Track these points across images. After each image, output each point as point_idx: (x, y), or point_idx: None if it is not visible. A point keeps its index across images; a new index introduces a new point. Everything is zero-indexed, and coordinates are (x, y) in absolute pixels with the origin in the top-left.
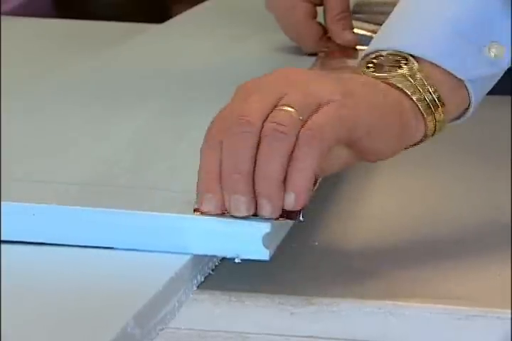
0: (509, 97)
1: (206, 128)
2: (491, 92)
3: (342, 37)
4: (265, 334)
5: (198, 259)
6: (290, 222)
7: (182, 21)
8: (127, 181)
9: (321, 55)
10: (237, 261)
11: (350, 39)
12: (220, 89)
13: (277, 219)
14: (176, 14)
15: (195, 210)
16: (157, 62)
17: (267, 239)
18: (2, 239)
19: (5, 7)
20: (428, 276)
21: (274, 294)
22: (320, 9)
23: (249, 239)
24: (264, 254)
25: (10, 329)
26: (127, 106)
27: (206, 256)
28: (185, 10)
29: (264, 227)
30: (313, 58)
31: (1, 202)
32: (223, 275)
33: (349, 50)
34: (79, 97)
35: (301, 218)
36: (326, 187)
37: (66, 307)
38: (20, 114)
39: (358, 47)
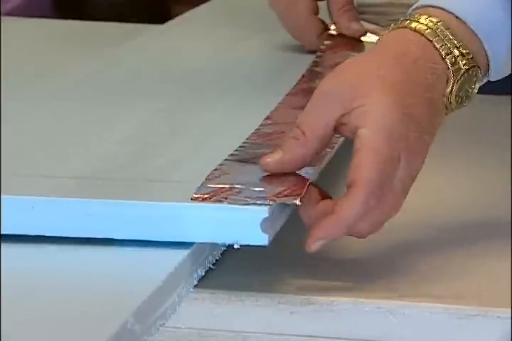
0: (509, 97)
1: (204, 125)
2: (491, 92)
3: (349, 28)
4: (265, 333)
5: (198, 253)
6: (288, 207)
7: (183, 22)
8: (126, 174)
9: (323, 48)
10: (236, 246)
11: (357, 29)
12: (219, 89)
13: (274, 201)
14: (176, 15)
15: (193, 198)
16: (157, 63)
17: (265, 224)
18: (2, 232)
19: (5, 7)
20: (428, 276)
21: (274, 293)
22: (322, 4)
23: (247, 225)
24: (262, 239)
25: (10, 327)
26: (127, 105)
27: (206, 243)
28: (185, 11)
29: (262, 212)
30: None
31: (1, 196)
32: (223, 274)
33: (354, 43)
34: (79, 97)
35: (298, 202)
36: (326, 187)
37: (65, 304)
38: (21, 112)
39: (364, 38)
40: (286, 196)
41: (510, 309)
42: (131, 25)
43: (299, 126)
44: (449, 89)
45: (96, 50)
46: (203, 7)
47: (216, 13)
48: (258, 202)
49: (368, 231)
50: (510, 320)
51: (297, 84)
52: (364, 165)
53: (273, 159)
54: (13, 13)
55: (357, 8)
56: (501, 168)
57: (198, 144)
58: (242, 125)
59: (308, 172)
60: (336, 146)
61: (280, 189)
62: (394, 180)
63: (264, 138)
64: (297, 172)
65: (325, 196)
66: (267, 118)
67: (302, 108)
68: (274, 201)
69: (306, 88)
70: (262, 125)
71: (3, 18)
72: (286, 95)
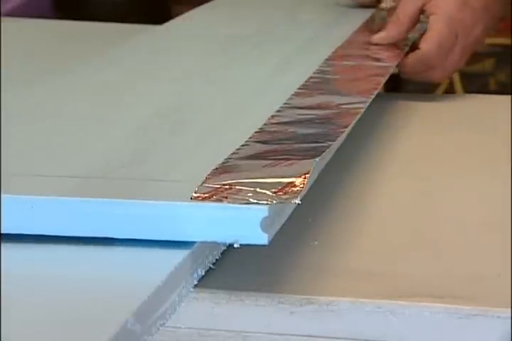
0: (509, 97)
1: (204, 125)
2: (491, 92)
3: None
4: (265, 333)
5: (198, 253)
6: (288, 206)
7: (183, 22)
8: (126, 173)
9: None
10: (236, 246)
11: None
12: (219, 89)
13: (275, 200)
14: (176, 15)
15: (193, 197)
16: (157, 63)
17: (265, 224)
18: (2, 231)
19: (5, 7)
20: (428, 276)
21: (274, 293)
22: None
23: (247, 224)
24: (262, 239)
25: (10, 327)
26: (127, 105)
27: (206, 242)
28: (185, 11)
29: (262, 211)
30: (317, 58)
31: (1, 196)
32: (223, 274)
33: None
34: (79, 96)
35: (298, 201)
36: (327, 187)
37: (65, 304)
38: (20, 112)
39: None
40: (286, 193)
41: (510, 309)
42: (131, 25)
43: (395, 13)
44: None
45: (96, 50)
46: (203, 7)
47: (216, 13)
48: (258, 201)
49: (433, 76)
50: (510, 320)
51: (304, 84)
52: (430, 39)
53: (379, 36)
54: (13, 13)
55: None
56: (501, 168)
57: (198, 143)
58: (243, 125)
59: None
60: (337, 144)
61: (280, 187)
62: (454, 49)
63: (268, 137)
64: (298, 171)
65: None
66: (272, 117)
67: (308, 108)
68: (275, 200)
69: (313, 88)
70: (265, 124)
71: (3, 18)
72: (293, 95)
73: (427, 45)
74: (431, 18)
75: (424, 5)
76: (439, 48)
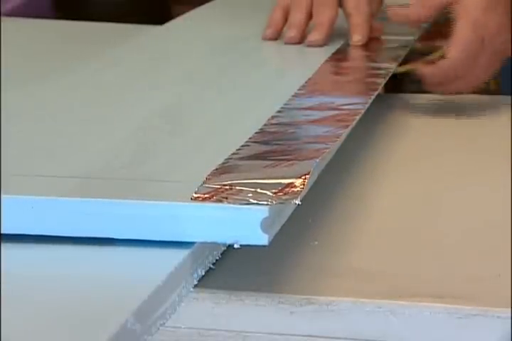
0: (509, 97)
1: (204, 126)
2: (491, 92)
3: None
4: (265, 333)
5: (198, 253)
6: (288, 206)
7: (183, 22)
8: (126, 174)
9: None
10: (236, 246)
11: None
12: (220, 89)
13: (275, 200)
14: (176, 15)
15: (193, 198)
16: (157, 63)
17: (265, 224)
18: (2, 232)
19: (5, 7)
20: (428, 276)
21: (274, 293)
22: None
23: (247, 225)
24: (262, 239)
25: (10, 327)
26: (127, 105)
27: (206, 243)
28: (185, 11)
29: (263, 212)
30: (316, 59)
31: (1, 196)
32: (223, 274)
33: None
34: (79, 97)
35: (297, 201)
36: (327, 187)
37: (65, 304)
38: (21, 112)
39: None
40: (286, 194)
41: (510, 309)
42: (131, 25)
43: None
44: None
45: (96, 50)
46: (203, 7)
47: (216, 13)
48: (258, 201)
49: (459, 87)
50: (510, 320)
51: (304, 86)
52: (454, 46)
53: (401, 11)
54: (13, 13)
55: None
56: (501, 169)
57: (198, 144)
58: (243, 125)
59: (308, 169)
60: (337, 145)
61: (280, 188)
62: (480, 58)
63: (268, 138)
64: (298, 172)
65: None
66: (272, 118)
67: (309, 109)
68: (275, 201)
69: (313, 89)
70: (266, 125)
71: (3, 18)
72: (293, 96)
73: (455, 53)
74: (457, 23)
75: (450, 3)
76: (466, 55)
